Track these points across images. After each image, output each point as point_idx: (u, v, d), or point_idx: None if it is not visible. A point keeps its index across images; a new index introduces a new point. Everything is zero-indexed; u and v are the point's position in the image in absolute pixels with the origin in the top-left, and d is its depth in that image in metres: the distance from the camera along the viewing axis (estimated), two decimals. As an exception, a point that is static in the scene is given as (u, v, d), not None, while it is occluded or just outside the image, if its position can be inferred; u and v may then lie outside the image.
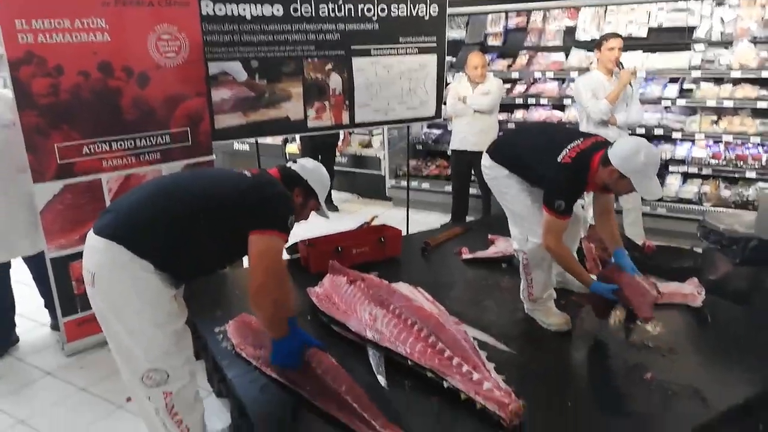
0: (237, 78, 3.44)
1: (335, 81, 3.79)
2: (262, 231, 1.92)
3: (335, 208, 5.82)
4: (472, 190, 5.14)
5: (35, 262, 3.15)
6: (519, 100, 5.45)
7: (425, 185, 5.72)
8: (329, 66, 3.76)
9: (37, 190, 2.86)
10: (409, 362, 2.31)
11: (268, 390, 2.27)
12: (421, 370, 2.27)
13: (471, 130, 4.67)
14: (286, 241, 2.00)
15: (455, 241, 3.98)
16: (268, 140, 6.43)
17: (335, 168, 5.89)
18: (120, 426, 2.53)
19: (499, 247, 3.65)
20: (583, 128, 4.20)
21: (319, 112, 3.77)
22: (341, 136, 5.85)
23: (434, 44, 4.16)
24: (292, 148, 6.36)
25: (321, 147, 5.55)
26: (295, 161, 2.24)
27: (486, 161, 2.80)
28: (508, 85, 5.47)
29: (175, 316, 1.96)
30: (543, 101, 5.35)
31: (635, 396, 2.22)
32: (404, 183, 5.05)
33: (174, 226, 1.89)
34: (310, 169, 2.19)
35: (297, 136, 5.98)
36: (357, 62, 3.87)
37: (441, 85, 4.33)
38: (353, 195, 6.41)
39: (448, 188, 5.31)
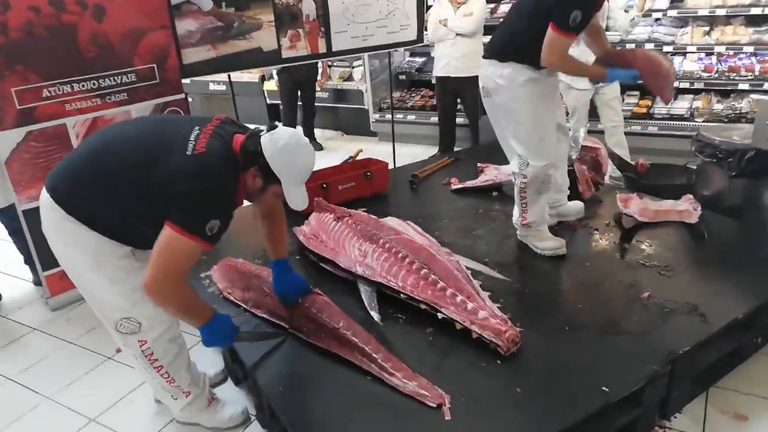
0: (202, 7, 3.18)
1: (308, 6, 3.53)
2: (172, 225, 1.63)
3: (320, 147, 5.64)
4: (459, 119, 4.98)
5: (8, 216, 3.01)
6: (504, 21, 5.20)
7: (411, 117, 5.54)
8: (300, -11, 3.50)
9: (-2, 139, 2.69)
10: (402, 296, 2.25)
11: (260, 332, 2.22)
12: (415, 303, 2.22)
13: (454, 55, 4.46)
14: (201, 246, 1.66)
15: (443, 171, 3.88)
16: (245, 78, 6.17)
17: (316, 104, 5.67)
18: (111, 377, 2.48)
19: (488, 175, 3.56)
20: None
21: (293, 41, 3.53)
22: (320, 69, 5.58)
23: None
24: (271, 85, 6.09)
25: (301, 83, 5.32)
26: (274, 126, 1.77)
27: (486, 68, 2.58)
28: (491, 5, 5.19)
29: (135, 269, 1.80)
30: (529, 21, 5.10)
31: (633, 316, 2.18)
32: (389, 116, 4.86)
33: (99, 191, 1.71)
34: (279, 148, 1.70)
35: (274, 73, 5.72)
36: (330, -18, 3.60)
37: (421, 6, 4.08)
38: (337, 132, 6.22)
39: (435, 119, 5.14)
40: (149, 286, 1.66)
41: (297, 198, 1.78)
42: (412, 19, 4.04)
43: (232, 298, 2.44)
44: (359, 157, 3.83)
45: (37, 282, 3.20)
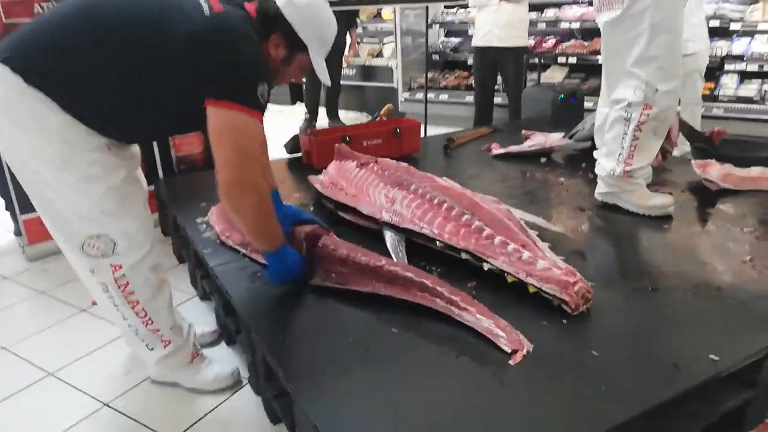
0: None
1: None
2: (221, 102, 1.36)
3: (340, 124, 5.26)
4: (497, 99, 4.56)
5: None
6: (550, -4, 4.81)
7: (443, 96, 5.13)
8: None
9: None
10: (438, 243, 1.81)
11: (260, 280, 1.79)
12: (454, 253, 1.77)
13: (497, 23, 4.07)
14: (259, 118, 1.42)
15: (481, 141, 3.44)
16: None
17: (342, 82, 5.29)
18: (81, 330, 2.07)
19: (536, 140, 3.11)
20: None
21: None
22: (348, 42, 5.21)
23: None
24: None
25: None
26: None
27: None
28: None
29: (111, 167, 1.42)
30: (578, -4, 4.71)
31: (733, 280, 1.71)
32: (419, 95, 4.46)
33: (82, 56, 1.32)
34: (302, 8, 1.50)
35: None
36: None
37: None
38: (361, 113, 5.82)
39: (469, 99, 4.73)
40: (231, 184, 1.39)
41: (323, 69, 1.57)
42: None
43: (230, 242, 2.02)
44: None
45: (18, 232, 2.83)
